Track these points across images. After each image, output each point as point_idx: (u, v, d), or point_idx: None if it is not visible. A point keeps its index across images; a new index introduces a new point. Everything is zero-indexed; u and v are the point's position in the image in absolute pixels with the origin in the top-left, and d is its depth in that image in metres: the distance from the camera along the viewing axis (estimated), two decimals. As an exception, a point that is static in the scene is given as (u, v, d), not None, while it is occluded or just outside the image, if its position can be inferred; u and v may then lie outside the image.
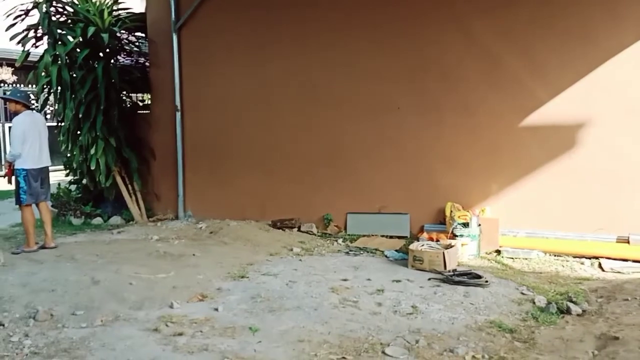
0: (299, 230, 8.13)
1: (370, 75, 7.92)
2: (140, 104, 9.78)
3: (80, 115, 8.54)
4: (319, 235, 7.97)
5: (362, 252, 7.00)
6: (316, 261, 6.44)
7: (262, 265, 6.16)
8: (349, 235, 7.94)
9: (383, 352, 3.77)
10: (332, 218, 8.26)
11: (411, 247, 6.25)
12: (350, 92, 8.04)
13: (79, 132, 8.79)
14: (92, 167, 8.50)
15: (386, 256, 6.70)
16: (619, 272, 5.92)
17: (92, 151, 8.47)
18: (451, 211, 7.18)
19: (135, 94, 9.69)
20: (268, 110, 8.55)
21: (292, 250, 6.99)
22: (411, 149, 7.76)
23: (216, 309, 4.63)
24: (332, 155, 8.22)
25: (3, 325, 4.23)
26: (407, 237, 7.65)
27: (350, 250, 7.07)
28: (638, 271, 5.88)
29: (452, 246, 6.22)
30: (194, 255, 6.31)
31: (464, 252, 6.63)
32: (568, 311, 4.55)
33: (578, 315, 4.51)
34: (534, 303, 4.83)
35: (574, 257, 6.48)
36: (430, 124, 7.60)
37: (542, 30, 6.92)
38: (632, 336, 3.73)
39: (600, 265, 6.16)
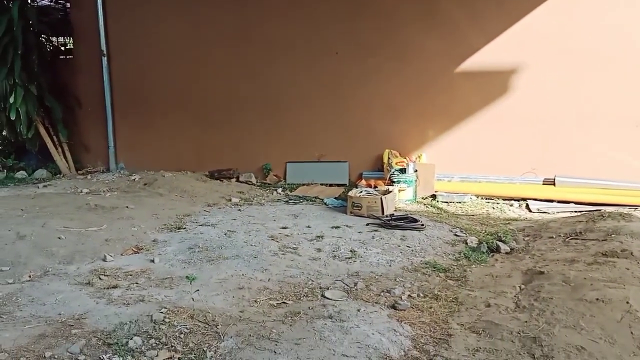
0: (237, 180, 8.01)
1: (307, 19, 7.71)
2: (62, 48, 9.10)
3: (-4, 61, 7.86)
4: (258, 185, 7.89)
5: (301, 200, 7.00)
6: (255, 210, 6.38)
7: (199, 216, 6.03)
8: (288, 184, 7.91)
9: (323, 296, 3.81)
10: (271, 167, 8.18)
11: (350, 194, 6.30)
12: (287, 37, 7.82)
13: (-5, 80, 8.11)
14: (12, 117, 7.91)
15: (325, 204, 6.73)
16: (545, 212, 6.24)
17: (11, 100, 7.86)
18: (389, 158, 7.27)
19: (56, 38, 8.99)
20: (202, 55, 8.19)
21: (230, 200, 6.88)
22: (350, 97, 7.71)
23: (152, 261, 4.51)
24: (270, 103, 8.05)
25: None
26: (346, 184, 7.71)
27: (290, 199, 7.05)
28: (563, 211, 6.23)
29: (389, 192, 6.32)
30: (127, 207, 6.08)
31: (402, 198, 6.77)
32: (497, 250, 4.77)
33: (507, 253, 4.73)
34: (466, 244, 5.02)
35: (504, 199, 6.77)
36: (369, 71, 7.56)
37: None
38: (556, 270, 3.95)
39: (527, 207, 6.47)
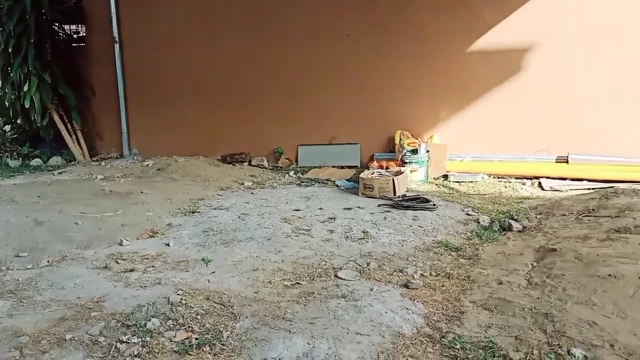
0: (249, 164, 8.06)
1: (321, 2, 7.66)
2: (75, 36, 9.16)
3: (10, 50, 7.94)
4: (270, 169, 7.93)
5: (313, 183, 7.03)
6: (268, 194, 6.43)
7: (213, 200, 6.10)
8: (300, 167, 7.94)
9: (336, 276, 3.86)
10: (282, 151, 8.22)
11: (361, 175, 6.32)
12: (300, 22, 7.80)
13: (9, 69, 8.21)
14: (27, 105, 8.02)
15: (337, 186, 6.76)
16: (557, 190, 6.22)
17: (25, 88, 7.97)
18: (400, 139, 7.26)
19: (69, 26, 9.05)
20: (214, 41, 8.21)
21: (243, 184, 6.94)
22: (362, 78, 7.69)
23: (167, 244, 4.59)
24: (282, 86, 8.06)
25: (-58, 271, 4.05)
26: (357, 166, 7.73)
27: (302, 182, 7.09)
28: (575, 188, 6.20)
29: (401, 173, 6.33)
30: (141, 192, 6.17)
31: (413, 178, 6.78)
32: (510, 228, 4.77)
33: (519, 231, 4.73)
34: (478, 223, 5.03)
35: (517, 178, 6.74)
36: (382, 52, 7.52)
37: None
38: (568, 247, 3.95)
39: (540, 185, 6.45)
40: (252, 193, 6.48)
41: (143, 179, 7.09)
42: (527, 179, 6.72)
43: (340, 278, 3.82)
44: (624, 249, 3.73)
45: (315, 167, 7.83)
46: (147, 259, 4.28)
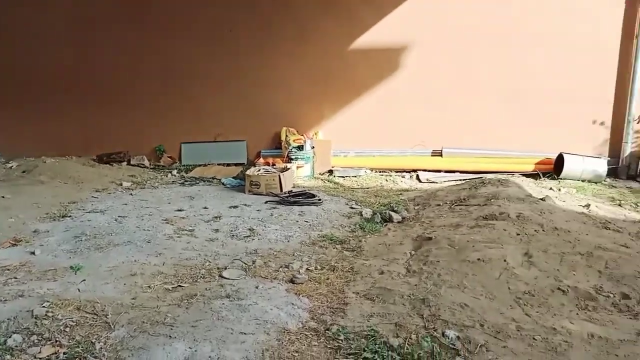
0: (128, 163, 7.63)
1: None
2: None
3: None
4: (151, 168, 7.58)
5: (198, 181, 6.82)
6: (149, 194, 6.12)
7: (87, 203, 5.67)
8: (184, 166, 7.67)
9: (220, 276, 3.75)
10: (165, 149, 7.88)
11: (248, 172, 6.23)
12: (183, 14, 7.52)
13: None
14: None
15: (223, 184, 6.62)
16: (433, 182, 6.60)
17: None
18: (286, 136, 7.28)
19: None
20: (87, 36, 7.64)
21: (121, 184, 6.54)
22: (249, 76, 7.58)
23: (33, 253, 4.17)
24: (165, 82, 7.72)
25: None
26: (244, 163, 7.63)
27: (186, 181, 6.85)
28: (449, 180, 6.61)
29: (287, 169, 6.34)
30: (2, 197, 5.57)
31: (300, 174, 6.83)
32: (390, 219, 4.97)
33: (399, 222, 4.95)
34: (361, 215, 5.17)
35: (397, 171, 7.05)
36: (268, 50, 7.47)
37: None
38: (442, 235, 4.19)
39: (418, 177, 6.80)
40: (131, 194, 6.13)
41: (5, 182, 6.42)
42: (407, 172, 7.06)
43: (225, 278, 3.72)
44: (491, 234, 4.04)
45: (200, 166, 7.60)
46: (8, 270, 3.86)
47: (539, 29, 6.79)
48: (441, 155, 7.16)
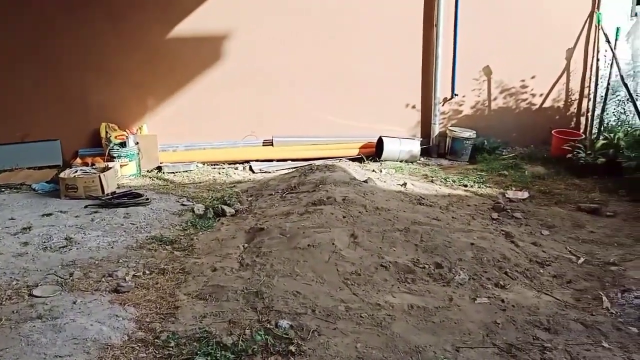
0: None
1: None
2: None
3: None
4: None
5: (3, 189, 5.99)
6: (-64, 209, 5.22)
7: None
8: (-17, 172, 6.67)
9: (30, 295, 3.33)
10: (-43, 155, 6.76)
11: (62, 175, 5.63)
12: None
13: None
14: None
15: (34, 190, 5.90)
16: (266, 172, 6.63)
17: None
18: (107, 132, 6.73)
19: None
20: None
21: None
22: (60, 65, 6.75)
23: None
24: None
25: None
26: (59, 165, 6.86)
27: (-13, 190, 5.97)
28: (281, 169, 6.70)
29: (109, 168, 5.87)
30: None
31: (125, 173, 6.38)
32: (223, 214, 4.87)
33: (232, 215, 4.87)
34: (193, 212, 4.99)
35: (229, 163, 6.95)
36: (81, 34, 6.70)
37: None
38: (274, 225, 4.21)
39: (251, 168, 6.78)
40: None
41: None
42: (240, 163, 6.99)
43: (36, 296, 3.32)
44: (319, 219, 4.17)
45: (5, 171, 6.67)
46: None
47: (358, 15, 7.08)
48: (272, 145, 7.22)
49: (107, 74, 6.90)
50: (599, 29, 7.10)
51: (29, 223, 4.71)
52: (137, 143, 6.56)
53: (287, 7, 7.01)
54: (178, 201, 5.39)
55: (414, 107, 7.42)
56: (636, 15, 7.21)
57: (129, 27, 6.82)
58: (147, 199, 5.30)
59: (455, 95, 7.32)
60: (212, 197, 5.48)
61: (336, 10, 7.08)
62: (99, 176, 5.53)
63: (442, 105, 7.37)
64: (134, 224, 4.70)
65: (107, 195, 5.42)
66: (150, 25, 6.86)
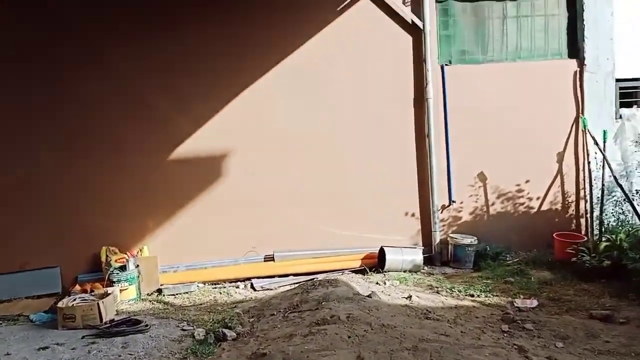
0: None
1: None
2: None
3: None
4: None
5: (1, 322, 5.84)
6: None
7: None
8: (-19, 304, 6.55)
9: None
10: (-46, 288, 6.69)
11: (60, 304, 5.52)
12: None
13: None
14: None
15: (32, 321, 5.76)
16: (268, 288, 6.52)
17: None
18: (107, 256, 6.71)
19: None
20: None
21: None
22: (57, 192, 6.93)
23: None
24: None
25: None
26: (59, 293, 6.77)
27: (-18, 324, 5.82)
28: (283, 284, 6.60)
29: (108, 294, 5.77)
30: None
31: (124, 298, 6.27)
32: (224, 338, 4.71)
33: (233, 339, 4.70)
34: (194, 337, 4.83)
35: (231, 281, 6.86)
36: (74, 165, 6.95)
37: (183, 67, 7.14)
38: (276, 349, 4.05)
39: (252, 286, 6.68)
40: None
41: None
42: (241, 281, 6.90)
43: None
44: (324, 341, 4.02)
45: (3, 302, 6.56)
46: None
47: (350, 132, 7.36)
48: (274, 260, 7.16)
49: (107, 202, 7.04)
50: (586, 133, 7.35)
51: (24, 359, 4.54)
52: (137, 266, 6.52)
53: (278, 127, 7.28)
54: (178, 326, 5.24)
55: (413, 215, 7.48)
56: (621, 117, 7.51)
57: (126, 159, 7.05)
58: (147, 325, 5.15)
59: (453, 202, 7.42)
60: (213, 320, 5.33)
61: (329, 129, 7.39)
62: (97, 304, 5.42)
63: (441, 213, 7.44)
64: (131, 354, 4.52)
65: (106, 323, 5.27)
66: (150, 150, 7.11)
